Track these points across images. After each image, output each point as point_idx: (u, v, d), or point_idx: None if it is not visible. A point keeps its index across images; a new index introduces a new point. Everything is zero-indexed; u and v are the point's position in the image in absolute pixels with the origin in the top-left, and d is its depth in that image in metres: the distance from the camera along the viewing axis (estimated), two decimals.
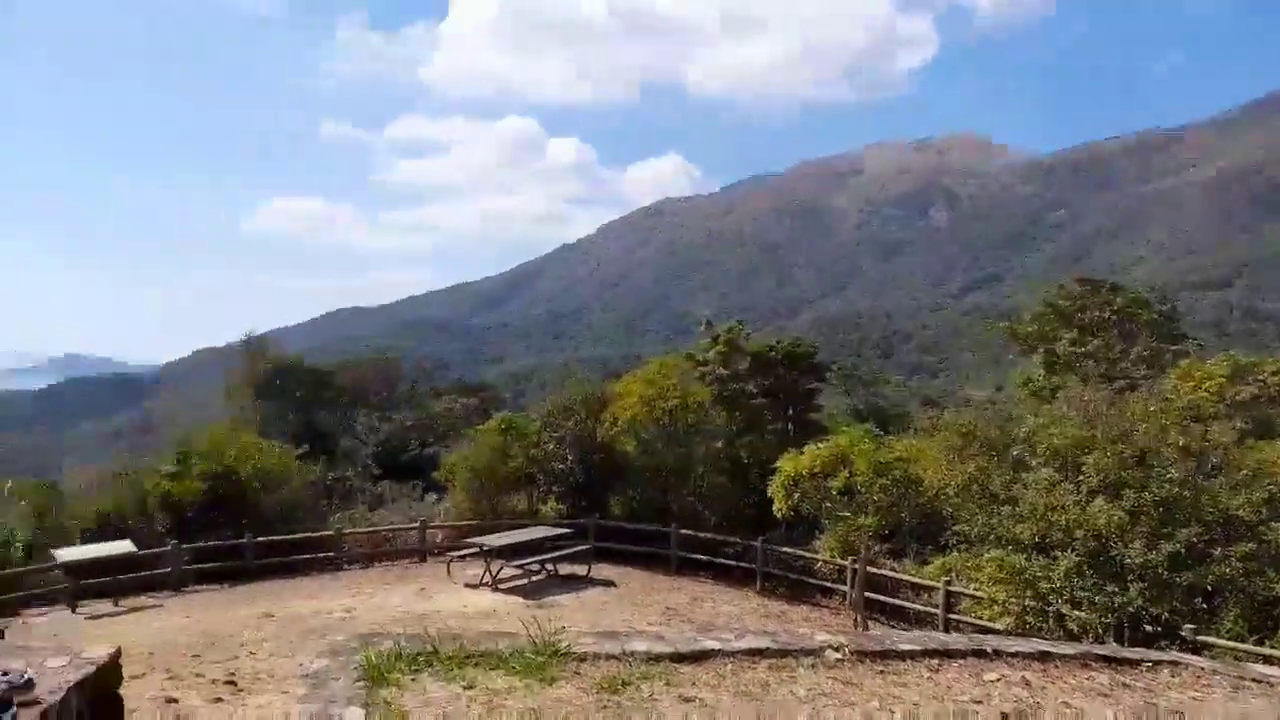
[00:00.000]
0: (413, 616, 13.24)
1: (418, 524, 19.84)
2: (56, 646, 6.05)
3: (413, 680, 4.98)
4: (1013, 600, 11.85)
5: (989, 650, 6.40)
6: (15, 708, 4.44)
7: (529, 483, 21.40)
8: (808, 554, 16.70)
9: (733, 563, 17.47)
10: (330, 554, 18.76)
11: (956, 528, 13.04)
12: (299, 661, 9.99)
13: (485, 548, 15.78)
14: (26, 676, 4.67)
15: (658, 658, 5.69)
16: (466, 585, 15.78)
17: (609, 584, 16.18)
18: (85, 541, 17.52)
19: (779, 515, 15.61)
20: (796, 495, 14.89)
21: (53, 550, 16.59)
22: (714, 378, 23.14)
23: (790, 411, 24.37)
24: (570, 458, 20.69)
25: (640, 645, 5.83)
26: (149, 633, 12.88)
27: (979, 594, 12.78)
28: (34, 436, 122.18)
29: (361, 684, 4.76)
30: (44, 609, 15.70)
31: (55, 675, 5.09)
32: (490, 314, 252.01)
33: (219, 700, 7.45)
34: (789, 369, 24.45)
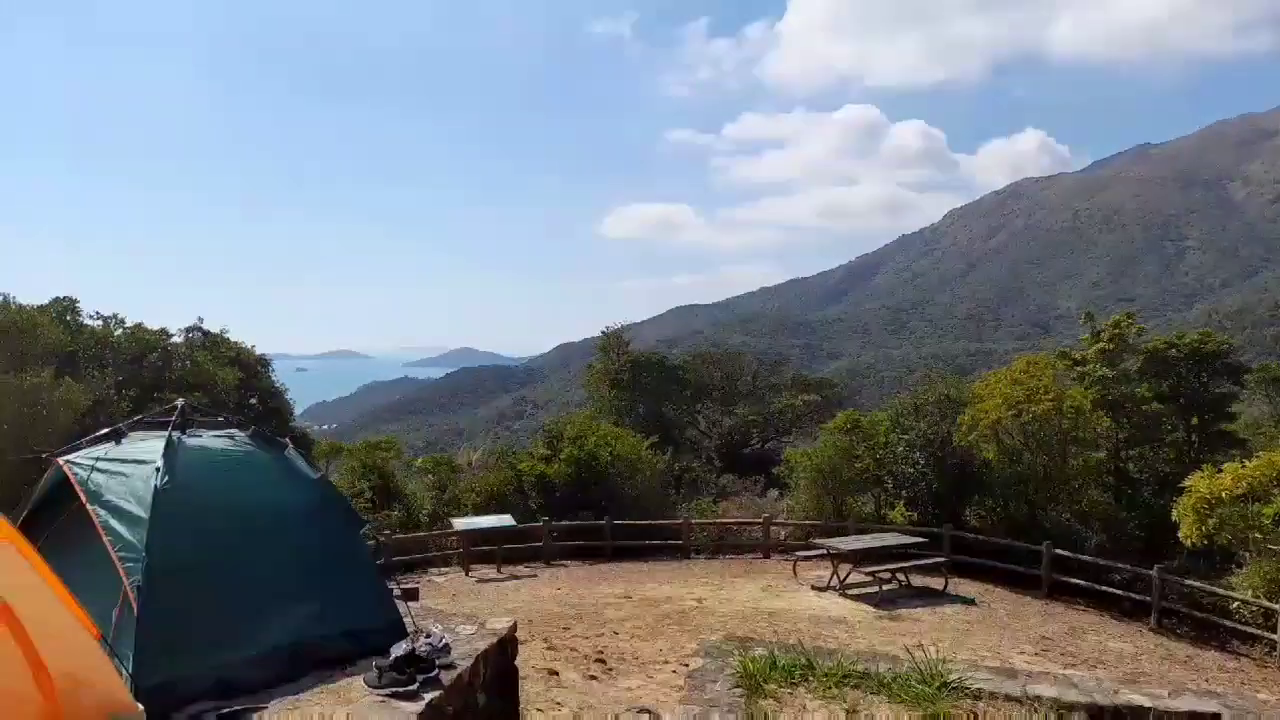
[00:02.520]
0: (761, 614, 13.12)
1: (761, 520, 19.83)
2: (465, 615, 6.67)
3: (790, 694, 4.65)
4: None
5: None
6: (438, 670, 4.87)
7: (876, 485, 20.42)
8: (1224, 591, 13.86)
9: (1119, 592, 15.08)
10: (678, 542, 19.43)
11: None
12: (658, 646, 10.33)
13: (833, 551, 15.21)
14: (444, 641, 5.10)
15: (1070, 707, 4.78)
16: (813, 588, 15.34)
17: (969, 602, 14.78)
18: (475, 513, 19.91)
19: (1187, 542, 13.14)
20: (1212, 521, 12.40)
21: (451, 519, 19.05)
22: (1095, 379, 20.29)
23: (1194, 420, 20.63)
24: (921, 461, 19.36)
25: (1047, 690, 4.95)
26: (528, 600, 14.18)
27: None
28: (435, 419, 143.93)
29: (739, 691, 4.53)
30: (444, 570, 17.99)
31: (465, 642, 5.54)
32: (827, 308, 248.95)
33: (593, 679, 7.85)
34: (1194, 370, 20.70)
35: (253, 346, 24.87)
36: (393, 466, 22.91)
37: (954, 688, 4.91)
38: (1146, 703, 4.90)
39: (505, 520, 18.28)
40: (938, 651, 5.18)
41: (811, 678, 4.87)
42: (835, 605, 14.11)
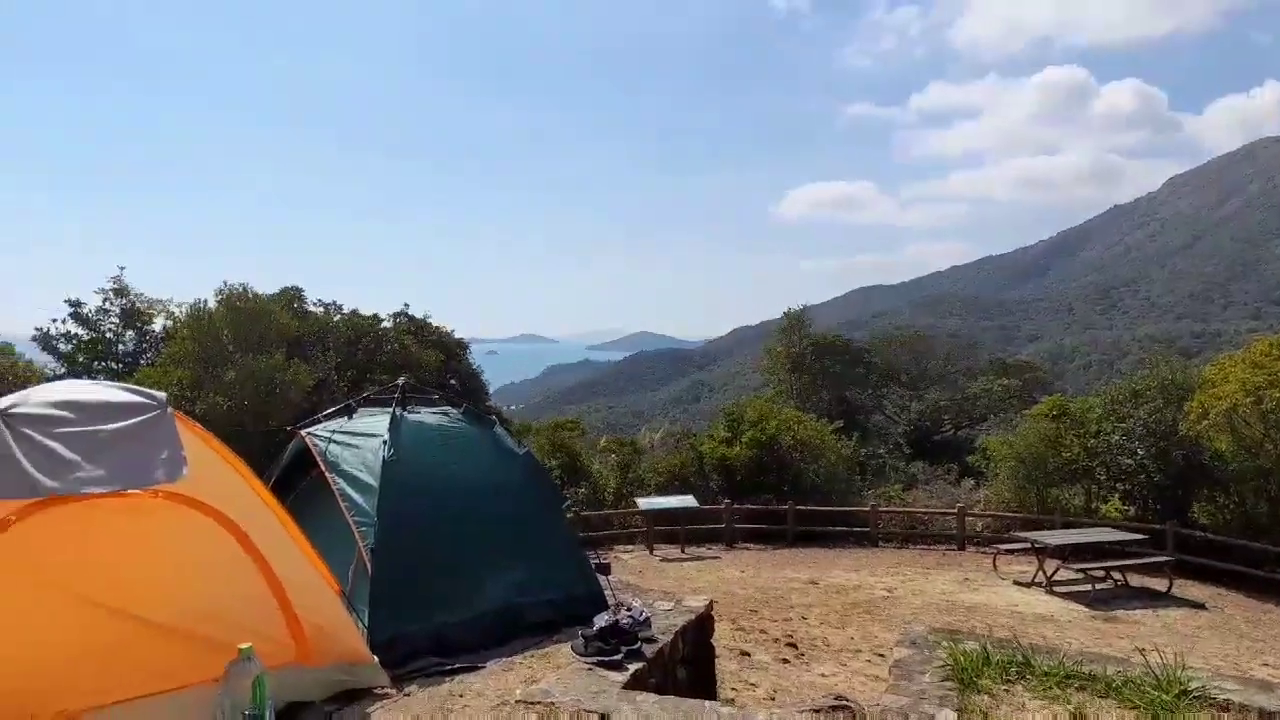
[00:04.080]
0: (957, 607, 12.51)
1: (955, 510, 18.90)
2: (662, 591, 6.81)
3: (1006, 691, 4.37)
4: None
5: None
6: (640, 643, 4.99)
7: (1085, 476, 18.90)
8: None
9: None
10: (865, 529, 18.89)
11: None
12: (849, 634, 10.09)
13: (1038, 544, 14.24)
14: (645, 615, 5.21)
15: None
16: (1015, 583, 14.44)
17: (1198, 606, 13.40)
18: (657, 493, 20.27)
19: None
20: None
21: (635, 498, 19.51)
22: None
23: None
24: (1141, 452, 17.69)
25: None
26: (712, 581, 14.26)
27: None
28: (615, 401, 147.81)
29: (949, 684, 4.31)
30: (629, 548, 18.45)
31: (664, 618, 5.64)
32: (1024, 287, 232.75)
33: (785, 662, 7.78)
34: None
35: (452, 331, 26.50)
36: (578, 446, 23.74)
37: (1196, 696, 4.43)
38: None
39: (688, 501, 18.48)
40: (1162, 658, 4.69)
41: (1029, 676, 4.55)
42: (1041, 602, 13.21)
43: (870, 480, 23.99)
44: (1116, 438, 18.09)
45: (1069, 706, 4.20)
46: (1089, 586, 13.61)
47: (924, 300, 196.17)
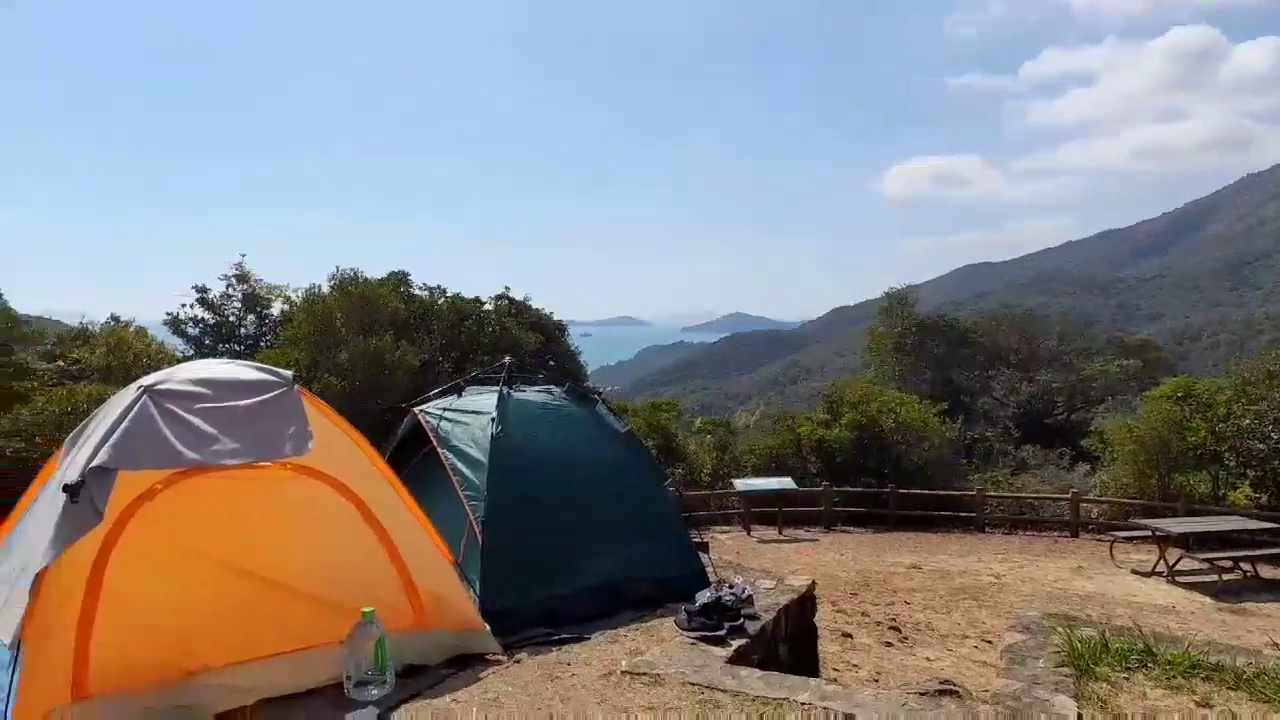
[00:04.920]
0: (1070, 595, 12.03)
1: (1069, 495, 18.13)
2: (763, 570, 6.82)
3: (1126, 679, 4.21)
4: None
5: None
6: (743, 619, 5.02)
7: (1212, 462, 17.82)
8: None
9: None
10: (970, 515, 18.35)
11: None
12: (954, 620, 9.86)
13: (1160, 532, 13.54)
14: (747, 592, 5.24)
15: None
16: (1133, 572, 13.78)
17: None
18: (754, 475, 20.18)
19: None
20: None
21: (732, 479, 19.47)
22: None
23: None
24: (1275, 436, 16.56)
25: None
26: (811, 563, 14.14)
27: None
28: (710, 383, 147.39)
29: (1065, 670, 4.18)
30: (726, 528, 18.45)
31: (766, 596, 5.66)
32: (1145, 263, 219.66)
33: (889, 645, 7.68)
34: None
35: (551, 313, 26.97)
36: (674, 427, 23.84)
37: None
38: None
39: (786, 483, 18.33)
40: None
41: (1151, 665, 4.37)
42: (1161, 592, 12.57)
43: (976, 464, 23.28)
44: (1247, 421, 16.97)
45: (1194, 697, 4.02)
46: (1215, 577, 12.87)
47: (1034, 278, 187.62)
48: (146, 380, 4.23)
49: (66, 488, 3.66)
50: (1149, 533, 13.95)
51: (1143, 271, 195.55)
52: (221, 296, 24.04)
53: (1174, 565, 13.25)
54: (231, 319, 24.15)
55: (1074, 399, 31.51)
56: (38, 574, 3.57)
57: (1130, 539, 15.10)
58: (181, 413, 4.07)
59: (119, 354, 18.38)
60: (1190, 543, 13.48)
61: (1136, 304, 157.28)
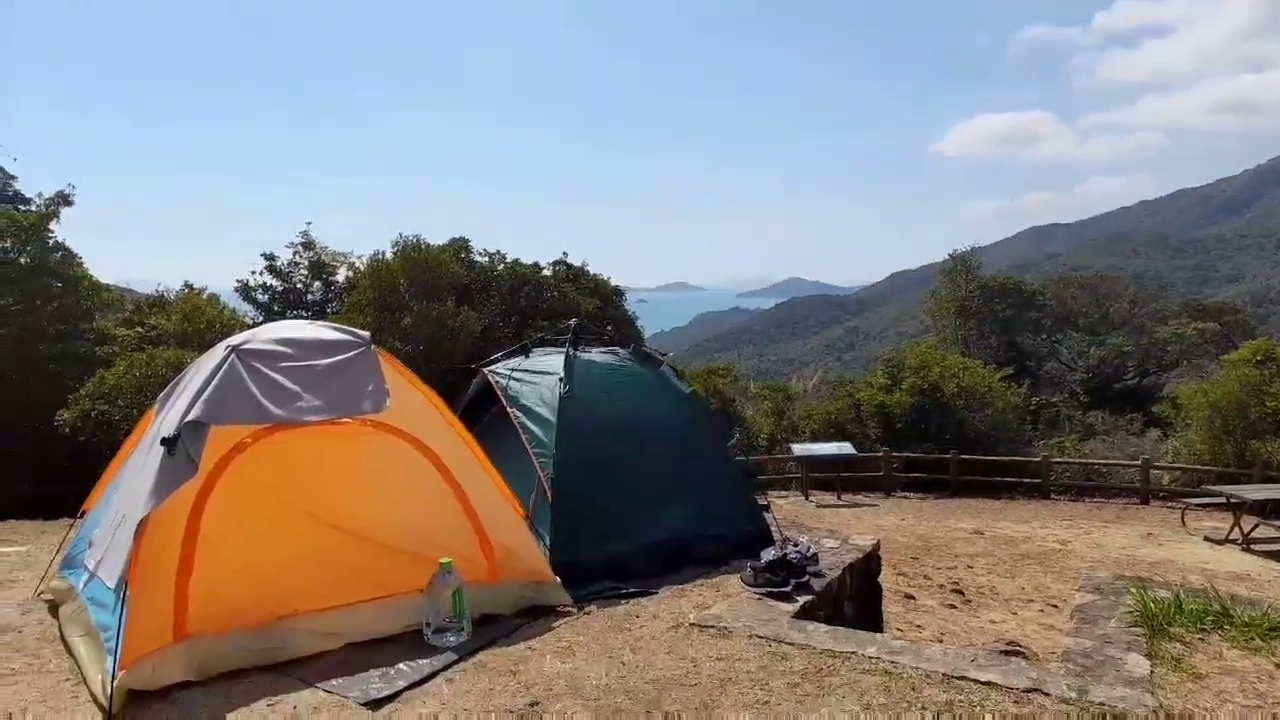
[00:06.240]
0: (1140, 562, 11.78)
1: (1139, 462, 17.66)
2: (828, 529, 6.87)
3: (1201, 640, 4.16)
4: None
5: None
6: (808, 576, 5.08)
7: None
8: None
9: None
10: (1035, 481, 18.02)
11: None
12: (1019, 584, 9.77)
13: (1235, 499, 13.14)
14: (812, 551, 5.29)
15: None
16: (1206, 539, 13.41)
17: None
18: (812, 440, 20.08)
19: None
20: None
21: (790, 444, 19.41)
22: None
23: None
24: None
25: None
26: (871, 528, 14.07)
27: None
28: (766, 349, 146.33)
29: (1137, 630, 4.15)
30: (784, 493, 18.45)
31: (831, 554, 5.69)
32: (1224, 223, 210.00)
33: (952, 607, 7.66)
34: None
35: (609, 279, 27.02)
36: (731, 392, 23.80)
37: None
38: None
39: (845, 448, 18.21)
40: None
41: (1228, 626, 4.30)
42: (1234, 560, 12.23)
43: (1042, 430, 22.78)
44: None
45: (1274, 659, 3.96)
46: None
47: (1105, 239, 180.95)
48: (234, 340, 4.43)
49: (164, 441, 3.87)
50: (1223, 499, 13.55)
51: (1222, 231, 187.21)
52: (289, 264, 24.66)
53: (1249, 533, 12.86)
54: (299, 285, 24.78)
55: (1146, 363, 30.49)
56: (140, 522, 3.80)
57: (1203, 506, 14.69)
58: (267, 371, 4.25)
59: (193, 320, 19.06)
60: (1267, 510, 13.05)
61: (1214, 265, 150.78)
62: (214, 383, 4.10)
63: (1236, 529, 13.06)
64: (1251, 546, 12.75)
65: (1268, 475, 15.70)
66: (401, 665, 3.98)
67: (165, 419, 4.35)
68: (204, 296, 21.60)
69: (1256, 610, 4.43)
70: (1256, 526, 12.92)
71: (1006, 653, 5.06)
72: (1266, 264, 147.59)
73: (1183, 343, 29.97)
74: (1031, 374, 27.65)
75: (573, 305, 22.69)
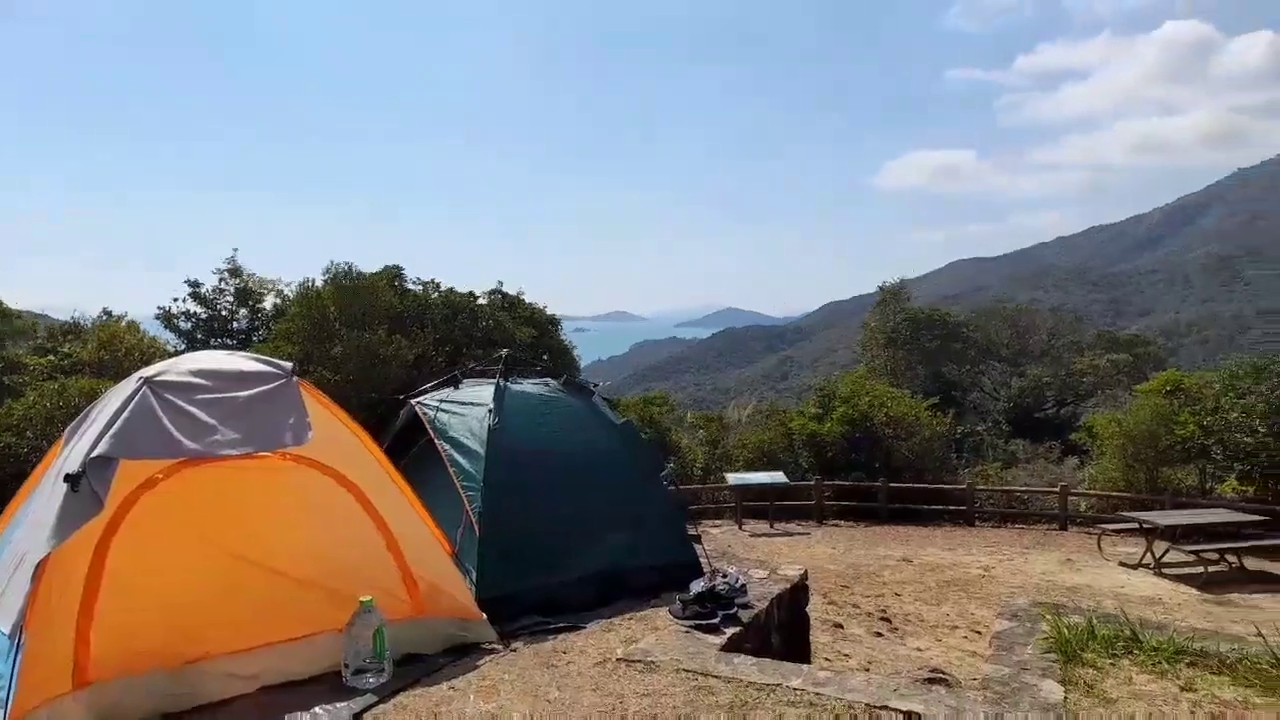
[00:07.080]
0: (1058, 587, 12.15)
1: (1057, 489, 18.27)
2: (757, 560, 6.90)
3: (1112, 665, 4.30)
4: None
5: None
6: (736, 608, 5.09)
7: (1200, 456, 17.96)
8: None
9: None
10: (960, 508, 18.47)
11: None
12: (944, 611, 9.97)
13: (1147, 524, 13.68)
14: (741, 582, 5.32)
15: None
16: (1121, 564, 13.91)
17: None
18: (746, 469, 20.24)
19: None
20: None
21: (724, 473, 19.53)
22: None
23: None
24: (1262, 430, 16.71)
25: None
26: (803, 557, 14.22)
27: None
28: (702, 378, 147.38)
29: (1052, 656, 4.27)
30: (717, 522, 18.51)
31: (759, 585, 5.72)
32: (1137, 258, 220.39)
33: (879, 635, 7.77)
34: None
35: (544, 307, 26.97)
36: (666, 421, 23.89)
37: None
38: None
39: (777, 477, 18.40)
40: None
41: (1137, 651, 4.46)
42: (1148, 584, 12.71)
43: (967, 458, 23.41)
44: (1235, 415, 17.12)
45: (1178, 681, 4.11)
46: (1201, 569, 13.01)
47: (1028, 272, 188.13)
48: (147, 371, 4.27)
49: (68, 477, 3.70)
50: (1136, 525, 14.08)
51: (1136, 266, 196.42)
52: (214, 290, 24.00)
53: (1160, 557, 13.39)
54: (224, 313, 24.11)
55: (1064, 393, 31.73)
56: (39, 563, 3.62)
57: (1118, 531, 15.23)
58: (182, 403, 4.11)
59: (111, 348, 18.35)
60: (1177, 535, 13.60)
61: (1128, 299, 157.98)
62: (124, 416, 3.95)
63: (1149, 554, 13.58)
64: (1163, 570, 13.26)
65: (1178, 501, 16.37)
66: (318, 709, 3.85)
67: (70, 453, 4.16)
68: (123, 324, 20.84)
69: (1164, 635, 4.60)
70: (1168, 551, 13.45)
71: (930, 681, 5.16)
72: (1175, 298, 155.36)
73: (1098, 374, 31.29)
74: (957, 403, 28.47)
75: (508, 334, 22.56)
